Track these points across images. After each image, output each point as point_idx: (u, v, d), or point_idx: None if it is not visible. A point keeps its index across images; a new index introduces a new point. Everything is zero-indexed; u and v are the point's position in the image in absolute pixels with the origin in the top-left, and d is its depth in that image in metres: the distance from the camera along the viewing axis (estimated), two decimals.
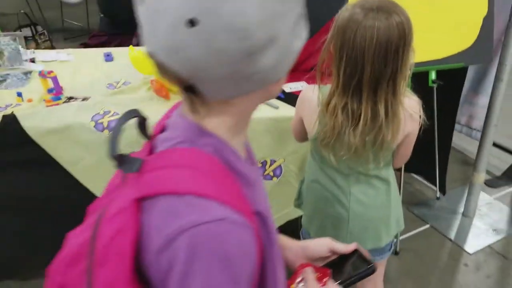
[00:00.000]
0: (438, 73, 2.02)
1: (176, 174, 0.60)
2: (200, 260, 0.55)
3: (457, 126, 2.96)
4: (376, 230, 1.42)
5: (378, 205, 1.41)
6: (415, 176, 2.80)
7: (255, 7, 0.53)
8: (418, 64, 1.85)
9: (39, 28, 4.16)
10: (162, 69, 0.58)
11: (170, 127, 0.67)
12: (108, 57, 2.21)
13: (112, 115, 1.66)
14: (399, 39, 1.13)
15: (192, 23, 0.52)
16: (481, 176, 2.37)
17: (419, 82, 1.96)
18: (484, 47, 1.84)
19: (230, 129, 0.65)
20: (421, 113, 1.30)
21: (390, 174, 1.44)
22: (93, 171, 1.67)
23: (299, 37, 0.61)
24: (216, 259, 0.55)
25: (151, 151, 0.67)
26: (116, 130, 0.62)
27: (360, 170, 1.36)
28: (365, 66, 1.15)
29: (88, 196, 1.69)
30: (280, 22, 0.56)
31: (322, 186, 1.42)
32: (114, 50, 2.27)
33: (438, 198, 2.63)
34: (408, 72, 1.21)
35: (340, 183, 1.39)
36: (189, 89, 0.59)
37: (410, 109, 1.27)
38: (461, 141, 3.08)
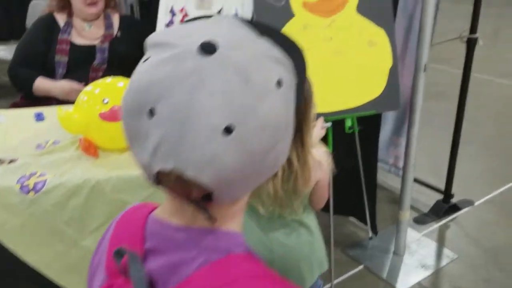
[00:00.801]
0: (358, 118, 2.17)
1: None
2: None
3: (385, 167, 3.14)
4: (299, 271, 1.49)
5: (300, 247, 1.49)
6: (349, 218, 2.91)
7: (282, 99, 0.52)
8: (335, 113, 2.00)
9: None
10: (181, 183, 0.52)
11: (165, 248, 0.57)
12: (39, 117, 2.22)
13: (39, 176, 1.67)
14: None
15: (228, 130, 0.48)
16: (406, 214, 2.50)
17: (342, 128, 2.11)
18: (392, 95, 2.01)
19: (239, 219, 0.64)
20: (329, 161, 1.41)
21: (311, 219, 1.53)
22: (17, 234, 1.66)
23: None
24: None
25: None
26: (141, 280, 0.53)
27: (282, 216, 1.45)
28: None
29: (12, 260, 1.67)
30: (291, 110, 0.56)
31: (247, 231, 1.50)
32: (46, 109, 2.29)
33: (371, 238, 2.74)
34: (312, 124, 1.34)
35: (264, 227, 1.47)
36: (205, 197, 0.54)
37: (319, 158, 1.38)
38: (390, 180, 3.26)
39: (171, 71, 0.49)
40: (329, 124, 1.63)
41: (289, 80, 0.55)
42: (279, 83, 0.52)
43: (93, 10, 2.31)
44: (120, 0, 4.02)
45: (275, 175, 1.35)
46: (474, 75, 2.78)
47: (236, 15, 2.04)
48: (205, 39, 0.50)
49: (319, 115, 1.91)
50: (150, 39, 0.55)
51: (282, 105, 0.53)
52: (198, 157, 0.49)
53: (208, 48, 0.50)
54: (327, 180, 1.46)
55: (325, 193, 1.50)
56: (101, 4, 2.35)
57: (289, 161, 1.31)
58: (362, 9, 1.96)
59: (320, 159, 1.40)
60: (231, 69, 0.49)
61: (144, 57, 0.54)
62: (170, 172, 0.51)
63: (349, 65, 1.98)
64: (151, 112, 0.50)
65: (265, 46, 0.54)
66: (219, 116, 0.48)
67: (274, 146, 0.53)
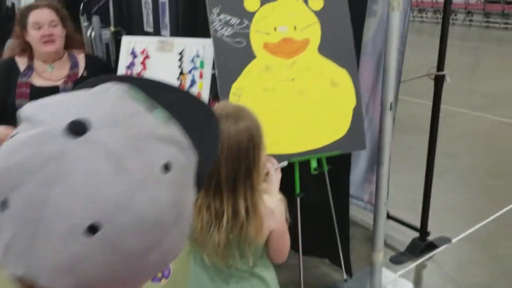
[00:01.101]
0: (328, 157, 2.12)
1: None
2: None
3: (361, 204, 3.09)
4: None
5: None
6: (325, 260, 2.83)
7: (170, 185, 0.45)
8: (299, 154, 1.96)
9: None
10: None
11: None
12: None
13: None
14: (249, 141, 1.24)
15: (92, 230, 0.41)
16: (379, 256, 2.43)
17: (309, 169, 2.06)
18: (356, 135, 1.98)
19: None
20: (284, 211, 1.36)
21: (269, 273, 1.46)
22: None
23: (194, 199, 0.51)
24: None
25: None
26: None
27: (235, 267, 1.39)
28: (221, 167, 1.24)
29: None
30: (185, 195, 0.48)
31: (201, 285, 1.43)
32: None
33: (345, 280, 2.65)
34: (263, 168, 1.31)
35: (217, 280, 1.41)
36: None
37: (272, 206, 1.33)
38: (366, 217, 3.19)
39: (29, 156, 0.41)
40: (284, 164, 1.59)
41: (184, 160, 0.48)
42: (166, 168, 0.45)
43: (50, 48, 2.25)
44: (96, 39, 4.02)
45: (220, 223, 1.30)
46: (449, 107, 2.78)
47: (197, 56, 2.02)
48: (76, 117, 0.43)
49: (284, 156, 1.87)
50: (22, 110, 0.46)
51: (169, 193, 0.45)
52: (53, 263, 0.41)
53: (76, 129, 0.42)
54: (283, 230, 1.39)
55: (282, 245, 1.43)
56: (58, 43, 2.28)
57: (236, 207, 1.28)
58: (324, 50, 1.95)
59: (273, 207, 1.34)
60: (100, 155, 0.42)
61: (13, 132, 0.45)
62: (22, 278, 0.43)
63: (312, 105, 1.95)
64: (3, 204, 0.41)
65: (153, 124, 0.47)
66: (80, 213, 0.40)
67: (158, 242, 0.45)
